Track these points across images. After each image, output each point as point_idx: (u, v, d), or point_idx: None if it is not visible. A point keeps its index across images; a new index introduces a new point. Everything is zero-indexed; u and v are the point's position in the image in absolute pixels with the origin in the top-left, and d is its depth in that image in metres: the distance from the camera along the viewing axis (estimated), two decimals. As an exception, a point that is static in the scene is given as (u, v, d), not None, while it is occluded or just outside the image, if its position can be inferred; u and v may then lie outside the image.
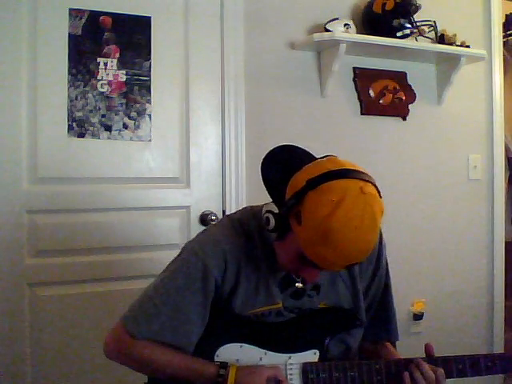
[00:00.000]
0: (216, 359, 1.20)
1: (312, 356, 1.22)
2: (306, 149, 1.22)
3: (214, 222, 2.15)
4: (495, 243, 2.80)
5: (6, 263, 1.91)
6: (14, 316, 1.92)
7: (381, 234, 1.33)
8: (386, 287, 1.37)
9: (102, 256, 2.04)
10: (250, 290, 1.21)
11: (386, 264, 1.37)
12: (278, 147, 1.21)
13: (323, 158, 1.14)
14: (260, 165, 1.20)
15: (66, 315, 1.99)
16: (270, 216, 1.13)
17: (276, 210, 1.12)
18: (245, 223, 1.24)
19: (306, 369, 1.20)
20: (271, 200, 1.22)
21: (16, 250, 1.92)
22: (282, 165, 1.16)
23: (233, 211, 2.16)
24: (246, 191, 2.24)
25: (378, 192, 1.08)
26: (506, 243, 2.88)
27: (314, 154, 1.20)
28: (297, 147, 1.21)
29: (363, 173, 1.07)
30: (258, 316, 1.23)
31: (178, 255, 1.25)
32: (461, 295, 2.72)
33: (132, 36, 2.06)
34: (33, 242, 1.94)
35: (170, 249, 2.11)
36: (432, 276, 2.63)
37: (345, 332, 1.28)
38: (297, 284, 1.22)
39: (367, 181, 1.05)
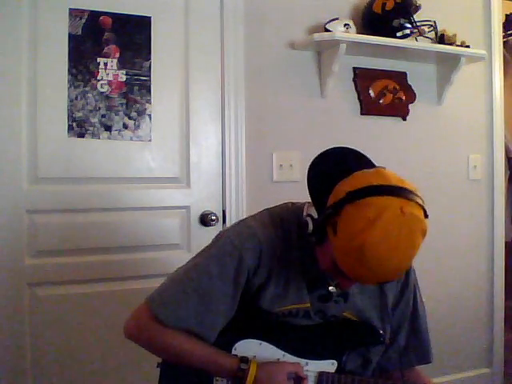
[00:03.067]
0: (233, 352, 1.19)
1: (329, 366, 1.21)
2: (361, 151, 1.18)
3: (213, 222, 2.15)
4: (495, 243, 2.80)
5: (6, 263, 1.91)
6: (14, 316, 1.92)
7: None
8: (415, 311, 1.34)
9: (102, 256, 2.04)
10: (280, 286, 1.20)
11: (416, 287, 1.34)
12: (330, 149, 1.17)
13: (372, 168, 1.10)
14: (309, 165, 1.16)
15: (65, 315, 1.99)
16: (309, 220, 1.13)
17: (316, 216, 1.11)
18: (285, 219, 1.23)
19: (321, 378, 1.19)
20: (290, 201, 1.25)
21: (16, 250, 1.92)
22: (329, 170, 1.12)
23: (233, 211, 2.21)
24: (246, 191, 2.24)
25: (425, 211, 1.03)
26: (506, 243, 2.88)
27: (369, 158, 1.16)
28: (351, 150, 1.17)
29: (408, 190, 1.02)
30: (286, 314, 1.21)
31: (214, 242, 1.23)
32: (461, 295, 2.72)
33: (132, 36, 2.06)
34: (33, 242, 1.94)
35: (170, 249, 2.12)
36: (432, 276, 2.63)
37: (366, 347, 1.26)
38: (330, 288, 1.20)
39: (411, 200, 1.01)
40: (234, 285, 1.16)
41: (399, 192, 1.01)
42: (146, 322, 1.16)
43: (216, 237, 1.24)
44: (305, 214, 1.17)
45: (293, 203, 1.29)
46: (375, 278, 1.04)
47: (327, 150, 1.17)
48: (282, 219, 1.23)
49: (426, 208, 1.04)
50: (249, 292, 1.19)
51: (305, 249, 1.20)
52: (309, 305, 1.22)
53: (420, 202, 1.03)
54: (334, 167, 1.12)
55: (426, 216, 1.04)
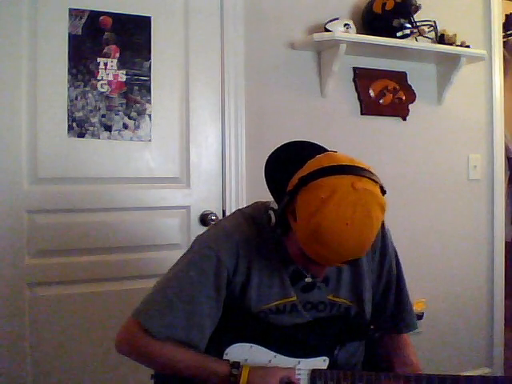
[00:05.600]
0: (224, 357, 1.20)
1: (321, 363, 1.21)
2: (316, 143, 1.20)
3: (213, 222, 2.15)
4: (495, 243, 2.80)
5: (6, 263, 1.91)
6: (14, 316, 1.92)
7: (383, 224, 1.31)
8: (399, 278, 1.36)
9: (102, 256, 2.04)
10: (263, 283, 1.21)
11: (396, 254, 1.36)
12: (283, 145, 1.20)
13: (323, 153, 1.13)
14: (264, 163, 1.20)
15: (65, 315, 1.99)
16: (271, 213, 1.15)
17: (276, 207, 1.14)
18: (257, 217, 1.24)
19: (314, 375, 1.19)
20: (260, 200, 1.29)
21: (16, 250, 1.92)
22: (284, 163, 1.16)
23: (233, 211, 2.20)
24: (246, 191, 2.24)
25: (381, 187, 1.05)
26: (506, 243, 2.88)
27: (325, 148, 1.18)
28: (304, 143, 1.20)
29: (360, 168, 1.05)
30: (273, 311, 1.22)
31: (190, 248, 1.24)
32: (461, 295, 2.72)
33: (132, 36, 2.06)
34: (33, 242, 1.94)
35: (170, 249, 2.12)
36: (432, 276, 2.63)
37: (355, 341, 1.27)
38: (306, 279, 1.22)
39: (363, 176, 1.03)
40: (215, 287, 1.17)
41: (349, 170, 1.04)
42: (134, 334, 1.17)
43: (193, 242, 1.25)
44: (269, 208, 1.19)
45: (263, 202, 1.31)
46: (339, 258, 1.05)
47: (282, 145, 1.21)
48: (254, 217, 1.24)
49: (382, 184, 1.06)
50: (234, 293, 1.20)
51: (280, 244, 1.21)
52: (295, 298, 1.23)
53: (373, 177, 1.05)
54: (290, 160, 1.15)
55: (384, 192, 1.06)
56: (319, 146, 1.20)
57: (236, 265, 1.18)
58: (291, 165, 1.12)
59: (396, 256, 1.36)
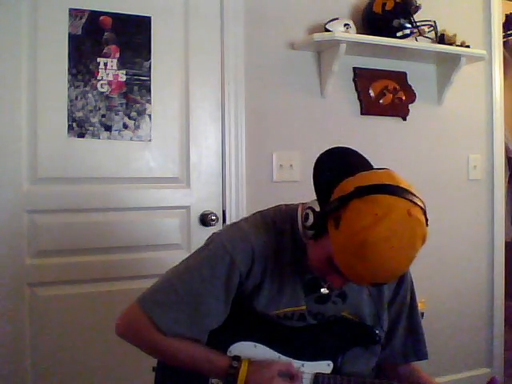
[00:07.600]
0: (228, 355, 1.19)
1: (325, 367, 1.20)
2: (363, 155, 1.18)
3: (213, 222, 2.15)
4: (495, 243, 2.80)
5: (6, 263, 1.91)
6: (14, 316, 1.92)
7: None
8: (412, 308, 1.34)
9: (102, 256, 2.04)
10: (274, 289, 1.19)
11: (411, 283, 1.35)
12: (336, 147, 1.17)
13: (380, 169, 1.10)
14: (315, 161, 1.15)
15: (66, 315, 1.99)
16: (310, 213, 1.11)
17: (317, 209, 1.10)
18: (278, 222, 1.22)
19: (317, 379, 1.18)
20: (284, 203, 1.26)
21: (16, 250, 1.92)
22: (336, 166, 1.12)
23: (233, 211, 2.21)
24: (246, 191, 2.24)
25: (426, 219, 1.03)
26: (506, 243, 2.88)
27: (371, 163, 1.16)
28: (355, 152, 1.18)
29: (415, 195, 1.03)
30: (281, 317, 1.20)
31: (206, 245, 1.22)
32: (461, 295, 2.72)
33: (132, 36, 2.06)
34: (33, 242, 1.94)
35: (170, 249, 2.13)
36: (432, 276, 2.63)
37: (361, 347, 1.25)
38: (322, 290, 1.20)
39: (417, 205, 1.01)
40: (225, 289, 1.16)
41: (407, 195, 1.01)
42: (137, 320, 1.16)
43: (208, 239, 1.24)
44: (306, 206, 1.15)
45: (286, 205, 1.28)
46: (371, 278, 1.03)
47: (333, 148, 1.17)
48: (275, 222, 1.22)
49: (427, 216, 1.04)
50: (243, 295, 1.19)
51: (299, 251, 1.19)
52: (304, 307, 1.21)
53: (425, 208, 1.04)
54: (340, 164, 1.12)
55: (427, 224, 1.04)
56: (366, 159, 1.17)
57: (250, 268, 1.17)
58: (342, 169, 1.09)
59: (412, 286, 1.35)
